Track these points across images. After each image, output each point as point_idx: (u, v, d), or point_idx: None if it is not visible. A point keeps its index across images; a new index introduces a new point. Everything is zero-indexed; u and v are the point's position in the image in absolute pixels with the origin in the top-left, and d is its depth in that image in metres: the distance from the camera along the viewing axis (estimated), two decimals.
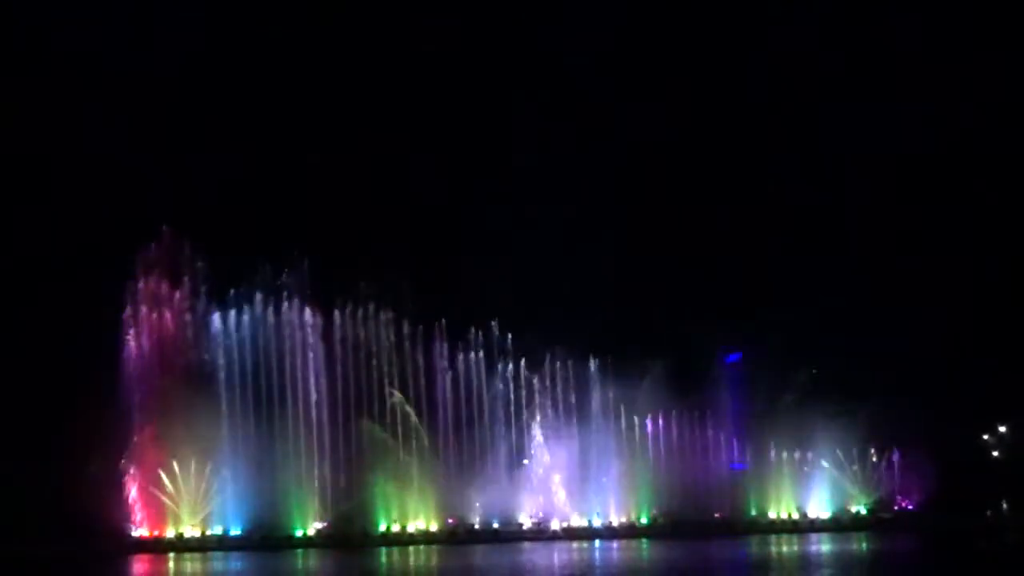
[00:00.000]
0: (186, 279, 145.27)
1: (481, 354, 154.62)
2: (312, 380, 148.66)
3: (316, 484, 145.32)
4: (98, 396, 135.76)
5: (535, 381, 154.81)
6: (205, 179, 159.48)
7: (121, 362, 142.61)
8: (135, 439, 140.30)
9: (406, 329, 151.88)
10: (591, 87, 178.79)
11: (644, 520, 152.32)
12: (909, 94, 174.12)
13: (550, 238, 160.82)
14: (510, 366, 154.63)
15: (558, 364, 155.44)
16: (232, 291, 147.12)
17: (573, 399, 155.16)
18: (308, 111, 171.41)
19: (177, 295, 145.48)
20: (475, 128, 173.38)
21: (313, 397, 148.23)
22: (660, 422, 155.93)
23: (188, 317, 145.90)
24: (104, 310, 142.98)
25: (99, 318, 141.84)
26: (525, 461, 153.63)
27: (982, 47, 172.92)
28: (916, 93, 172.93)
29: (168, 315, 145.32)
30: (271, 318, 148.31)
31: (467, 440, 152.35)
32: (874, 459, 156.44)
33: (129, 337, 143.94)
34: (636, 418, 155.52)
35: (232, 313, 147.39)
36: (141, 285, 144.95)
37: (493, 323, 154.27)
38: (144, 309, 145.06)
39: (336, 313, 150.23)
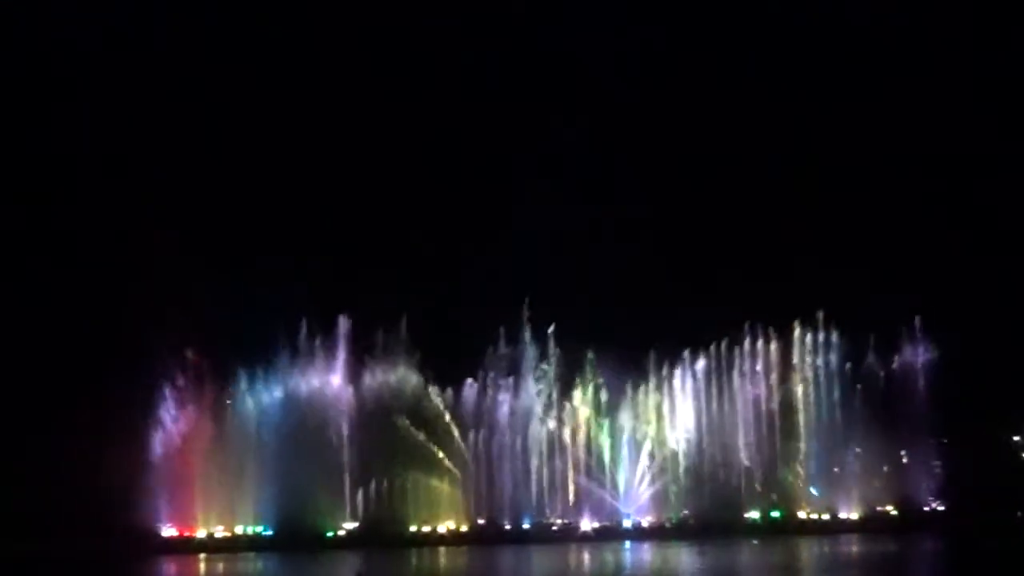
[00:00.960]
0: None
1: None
2: (341, 385, 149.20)
3: (347, 485, 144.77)
4: (127, 396, 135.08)
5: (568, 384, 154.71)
6: (205, 179, 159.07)
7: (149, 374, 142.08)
8: (165, 440, 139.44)
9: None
10: (591, 87, 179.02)
11: (674, 521, 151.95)
12: (908, 94, 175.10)
13: (549, 238, 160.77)
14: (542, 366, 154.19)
15: (586, 367, 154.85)
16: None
17: (603, 398, 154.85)
18: (308, 111, 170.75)
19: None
20: (475, 129, 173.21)
21: (343, 400, 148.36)
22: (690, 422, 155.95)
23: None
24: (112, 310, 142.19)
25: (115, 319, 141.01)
26: (556, 462, 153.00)
27: (982, 47, 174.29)
28: (915, 93, 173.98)
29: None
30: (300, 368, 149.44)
31: (497, 440, 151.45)
32: (904, 460, 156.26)
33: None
34: (663, 419, 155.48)
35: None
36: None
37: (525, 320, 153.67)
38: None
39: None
